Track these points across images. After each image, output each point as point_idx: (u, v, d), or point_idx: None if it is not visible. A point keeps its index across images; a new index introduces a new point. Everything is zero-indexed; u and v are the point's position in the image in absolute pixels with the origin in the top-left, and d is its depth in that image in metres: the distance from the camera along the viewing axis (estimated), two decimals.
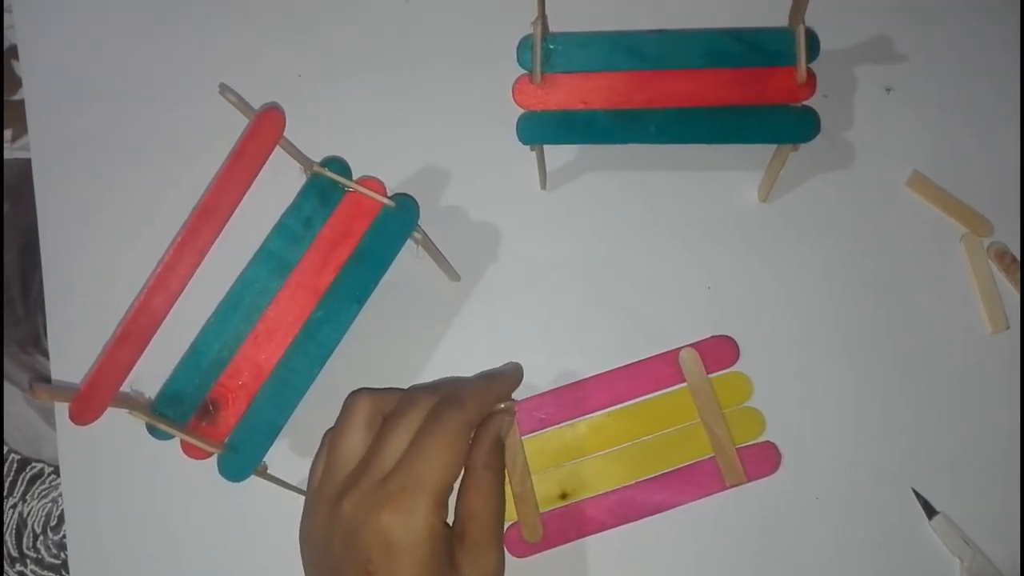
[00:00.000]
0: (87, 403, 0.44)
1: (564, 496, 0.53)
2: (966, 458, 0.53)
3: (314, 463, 0.50)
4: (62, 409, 0.57)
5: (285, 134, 0.48)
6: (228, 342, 0.50)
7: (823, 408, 0.55)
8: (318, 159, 0.53)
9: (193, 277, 0.46)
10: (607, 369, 0.55)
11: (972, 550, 0.51)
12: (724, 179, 0.58)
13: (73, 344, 0.58)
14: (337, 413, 0.49)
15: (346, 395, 0.50)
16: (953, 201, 0.56)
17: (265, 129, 0.46)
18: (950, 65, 0.59)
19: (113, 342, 0.44)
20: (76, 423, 0.44)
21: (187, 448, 0.48)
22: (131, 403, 0.47)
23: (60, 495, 0.57)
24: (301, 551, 0.48)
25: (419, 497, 0.43)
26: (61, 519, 0.57)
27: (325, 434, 0.51)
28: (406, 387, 0.55)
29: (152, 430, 0.48)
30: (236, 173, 0.46)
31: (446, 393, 0.47)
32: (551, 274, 0.57)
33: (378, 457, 0.45)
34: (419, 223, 0.52)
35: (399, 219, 0.51)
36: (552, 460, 0.54)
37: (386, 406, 0.48)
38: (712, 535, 0.53)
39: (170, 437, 0.48)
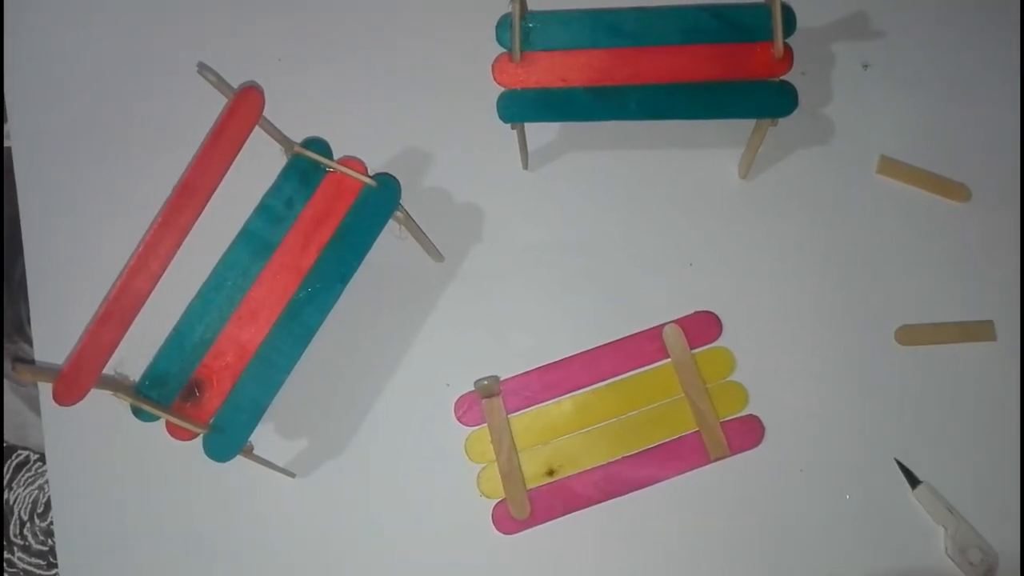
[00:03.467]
0: (71, 383, 0.44)
1: (551, 473, 0.54)
2: (948, 429, 0.54)
3: None
4: (47, 395, 0.57)
5: (267, 116, 0.48)
6: (212, 323, 0.50)
7: (806, 381, 0.55)
8: (299, 140, 0.53)
9: (175, 259, 0.46)
10: (591, 347, 0.55)
11: (956, 519, 0.52)
12: (704, 157, 0.58)
13: (57, 331, 0.58)
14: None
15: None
16: (925, 175, 0.57)
17: (244, 107, 0.47)
18: (926, 40, 0.59)
19: (95, 322, 0.44)
20: (60, 403, 0.44)
21: (172, 429, 0.48)
22: (115, 385, 0.47)
23: (46, 482, 0.57)
24: None
25: None
26: (48, 506, 0.57)
27: None
28: (388, 368, 0.55)
29: (137, 412, 0.48)
30: (216, 152, 0.46)
31: None
32: (534, 253, 0.57)
33: None
34: (401, 203, 0.52)
35: (381, 198, 0.51)
36: (539, 438, 0.54)
37: None
38: (697, 508, 0.54)
39: (155, 418, 0.48)
